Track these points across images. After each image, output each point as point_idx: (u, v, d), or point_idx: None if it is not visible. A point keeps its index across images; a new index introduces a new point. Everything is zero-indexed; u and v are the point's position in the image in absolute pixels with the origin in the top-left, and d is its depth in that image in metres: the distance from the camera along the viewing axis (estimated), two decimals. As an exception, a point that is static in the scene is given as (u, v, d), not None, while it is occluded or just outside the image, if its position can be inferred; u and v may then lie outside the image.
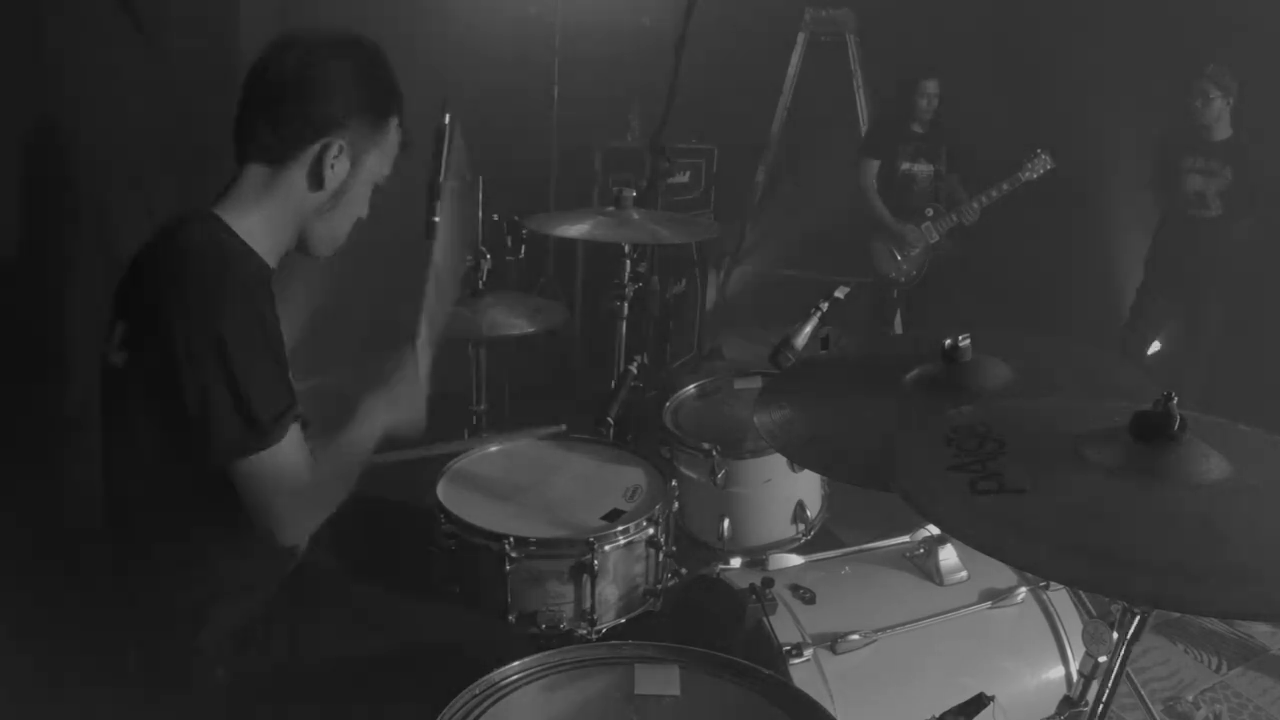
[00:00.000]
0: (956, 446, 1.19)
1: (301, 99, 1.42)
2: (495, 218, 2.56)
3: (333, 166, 1.45)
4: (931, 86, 4.33)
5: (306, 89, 1.42)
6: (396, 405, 1.58)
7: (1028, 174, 4.26)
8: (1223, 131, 3.85)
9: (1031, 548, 1.02)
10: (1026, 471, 1.12)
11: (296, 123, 1.42)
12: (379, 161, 1.52)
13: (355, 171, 1.48)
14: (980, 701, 1.29)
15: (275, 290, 1.44)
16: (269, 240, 1.47)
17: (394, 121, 1.52)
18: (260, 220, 1.45)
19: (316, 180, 1.45)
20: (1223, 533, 1.00)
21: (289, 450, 1.37)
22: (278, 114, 1.42)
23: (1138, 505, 1.05)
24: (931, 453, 1.20)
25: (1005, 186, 4.30)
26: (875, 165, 4.46)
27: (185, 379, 1.30)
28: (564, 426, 2.08)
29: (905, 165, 4.42)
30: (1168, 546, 0.99)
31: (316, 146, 1.43)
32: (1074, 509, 1.06)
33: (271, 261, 1.49)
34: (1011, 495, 1.09)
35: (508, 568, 1.73)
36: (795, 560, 1.91)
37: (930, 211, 4.41)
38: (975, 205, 4.34)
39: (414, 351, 1.64)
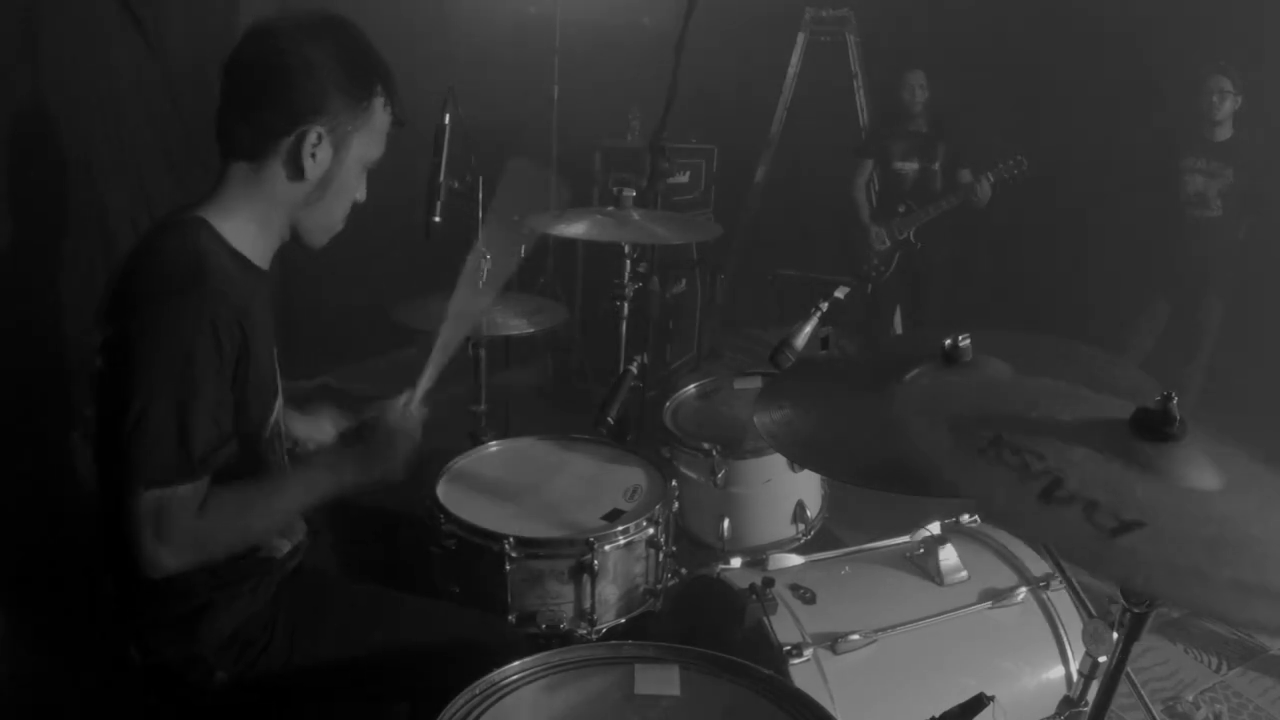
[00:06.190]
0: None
1: (275, 89, 1.37)
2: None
3: (313, 155, 1.39)
4: (915, 78, 4.35)
5: (278, 78, 1.37)
6: (365, 463, 1.52)
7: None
8: (1226, 132, 3.84)
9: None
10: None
11: (269, 114, 1.38)
12: (366, 144, 1.45)
13: (340, 157, 1.43)
14: (980, 701, 1.29)
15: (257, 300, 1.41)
16: (259, 239, 1.44)
17: (379, 101, 1.44)
18: (247, 219, 1.42)
19: (297, 171, 1.40)
20: (1227, 538, 1.00)
21: (199, 487, 1.31)
22: (252, 107, 1.38)
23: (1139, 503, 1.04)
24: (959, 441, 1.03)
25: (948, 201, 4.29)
26: (869, 165, 4.60)
27: (131, 394, 1.26)
28: None
29: (897, 164, 4.46)
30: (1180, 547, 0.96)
31: (293, 136, 1.38)
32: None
33: (263, 261, 1.46)
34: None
35: (508, 568, 1.73)
36: (795, 560, 1.91)
37: (901, 209, 4.43)
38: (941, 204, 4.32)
39: (408, 403, 1.60)
